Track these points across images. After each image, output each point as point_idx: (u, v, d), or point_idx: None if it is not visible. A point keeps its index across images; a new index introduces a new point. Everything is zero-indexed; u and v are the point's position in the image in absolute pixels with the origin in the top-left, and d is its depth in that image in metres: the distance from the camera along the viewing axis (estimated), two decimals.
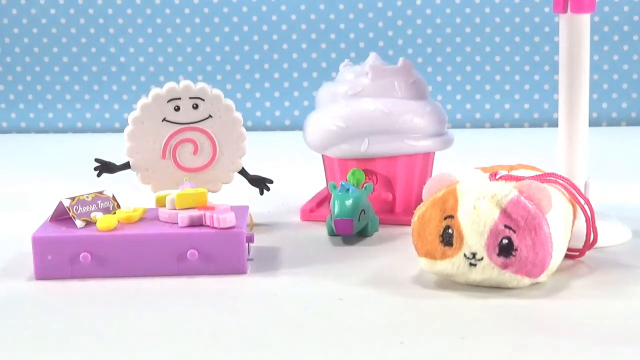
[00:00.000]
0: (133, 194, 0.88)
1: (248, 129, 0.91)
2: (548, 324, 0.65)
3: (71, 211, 0.78)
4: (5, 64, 1.43)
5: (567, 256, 0.76)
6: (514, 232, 0.69)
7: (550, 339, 0.63)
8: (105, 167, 0.90)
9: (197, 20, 1.40)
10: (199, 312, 0.69)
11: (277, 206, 0.97)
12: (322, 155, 0.95)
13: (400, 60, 0.92)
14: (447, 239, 0.71)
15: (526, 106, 1.41)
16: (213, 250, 0.76)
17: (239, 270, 0.77)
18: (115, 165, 0.90)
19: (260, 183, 0.91)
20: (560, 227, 0.72)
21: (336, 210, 0.84)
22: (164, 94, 0.87)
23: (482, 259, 0.70)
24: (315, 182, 1.02)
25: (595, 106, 1.40)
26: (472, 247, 0.70)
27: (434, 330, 0.65)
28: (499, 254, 0.69)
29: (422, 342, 0.63)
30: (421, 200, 0.74)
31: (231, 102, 0.88)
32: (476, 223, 0.69)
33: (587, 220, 0.77)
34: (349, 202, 0.84)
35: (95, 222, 0.78)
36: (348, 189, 0.84)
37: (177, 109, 0.87)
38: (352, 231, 0.83)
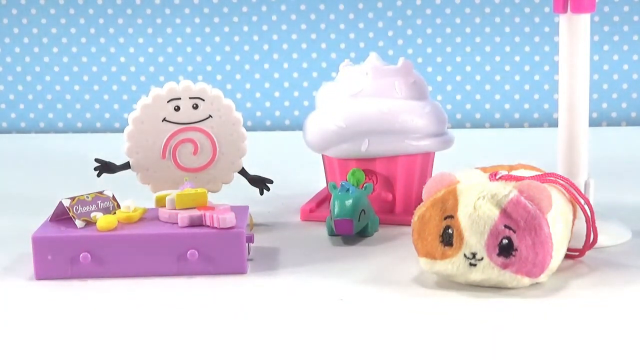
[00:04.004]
0: (133, 194, 0.88)
1: (248, 129, 0.91)
2: (548, 324, 0.65)
3: (71, 211, 0.78)
4: (5, 64, 1.43)
5: (567, 256, 0.76)
6: (514, 232, 0.69)
7: (550, 339, 0.63)
8: (105, 167, 0.90)
9: (197, 20, 1.40)
10: (199, 312, 0.69)
11: (277, 206, 0.97)
12: (322, 155, 0.95)
13: (400, 60, 0.92)
14: (447, 239, 0.71)
15: (526, 106, 1.41)
16: (213, 250, 0.76)
17: (239, 270, 0.77)
18: (115, 165, 0.90)
19: (260, 183, 0.91)
20: (560, 227, 0.72)
21: (336, 210, 0.84)
22: (164, 94, 0.87)
23: (482, 259, 0.70)
24: (315, 182, 1.02)
25: (595, 106, 1.40)
26: (472, 247, 0.70)
27: (434, 330, 0.65)
28: (499, 254, 0.69)
29: (422, 342, 0.63)
30: (421, 200, 0.74)
31: (231, 102, 0.88)
32: (476, 223, 0.69)
33: (587, 220, 0.77)
34: (349, 202, 0.84)
35: (95, 222, 0.78)
36: (348, 189, 0.84)
37: (177, 109, 0.87)
38: (352, 231, 0.83)
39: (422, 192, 0.74)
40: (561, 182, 0.76)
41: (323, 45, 1.41)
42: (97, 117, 1.44)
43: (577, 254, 0.78)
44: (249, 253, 0.79)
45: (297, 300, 0.71)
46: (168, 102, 0.87)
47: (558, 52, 0.84)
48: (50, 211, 0.81)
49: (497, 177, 0.73)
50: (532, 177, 0.74)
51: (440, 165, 0.92)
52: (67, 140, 1.38)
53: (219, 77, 1.42)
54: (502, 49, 1.40)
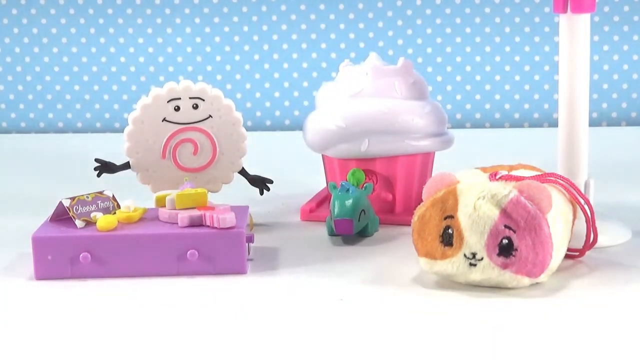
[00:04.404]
0: (133, 194, 0.88)
1: (248, 129, 0.91)
2: (548, 324, 0.65)
3: (71, 211, 0.78)
4: (5, 64, 1.43)
5: (567, 256, 0.76)
6: (514, 232, 0.69)
7: (550, 339, 0.63)
8: (105, 167, 0.90)
9: (197, 20, 1.40)
10: (199, 312, 0.69)
11: (277, 206, 0.97)
12: (322, 155, 0.94)
13: (400, 60, 0.92)
14: (447, 239, 0.71)
15: (526, 106, 1.41)
16: (213, 250, 0.76)
17: (239, 270, 0.77)
18: (115, 165, 0.90)
19: (260, 183, 0.91)
20: (560, 227, 0.72)
21: (336, 210, 0.84)
22: (164, 94, 0.87)
23: (482, 259, 0.70)
24: (315, 182, 1.02)
25: (595, 106, 1.40)
26: (472, 247, 0.70)
27: (434, 330, 0.65)
28: (499, 254, 0.69)
29: (422, 342, 0.63)
30: (421, 200, 0.74)
31: (231, 102, 0.88)
32: (476, 223, 0.69)
33: (587, 220, 0.77)
34: (349, 202, 0.84)
35: (95, 222, 0.78)
36: (348, 189, 0.84)
37: (177, 109, 0.87)
38: (352, 231, 0.83)
39: (422, 192, 0.74)
40: (561, 182, 0.76)
41: (323, 45, 1.41)
42: (97, 117, 1.44)
43: (577, 254, 0.78)
44: (249, 253, 0.79)
45: (297, 300, 0.71)
46: (168, 102, 0.87)
47: (558, 52, 0.84)
48: (50, 211, 0.81)
49: (497, 177, 0.73)
50: (532, 177, 0.74)
51: (440, 165, 0.92)
52: (67, 140, 1.38)
53: (219, 77, 1.42)
54: (502, 49, 1.40)
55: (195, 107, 0.87)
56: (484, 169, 0.76)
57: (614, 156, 1.19)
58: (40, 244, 0.76)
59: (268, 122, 1.43)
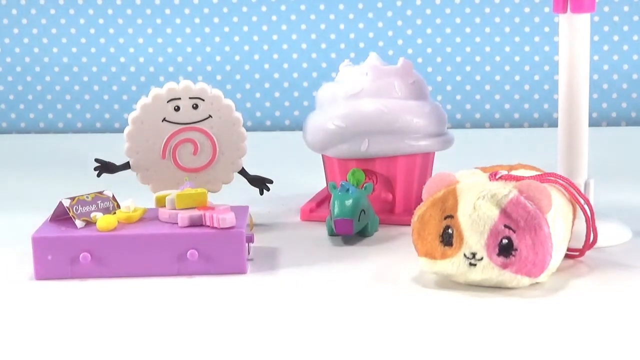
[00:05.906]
0: (133, 194, 0.88)
1: (248, 129, 0.91)
2: (548, 324, 0.65)
3: (71, 211, 0.78)
4: (5, 64, 1.43)
5: (567, 256, 0.76)
6: (514, 232, 0.69)
7: (551, 339, 0.63)
8: (105, 167, 0.90)
9: (197, 20, 1.40)
10: (199, 312, 0.69)
11: (277, 206, 0.97)
12: (322, 155, 0.94)
13: (400, 60, 0.92)
14: (447, 238, 0.71)
15: (526, 106, 1.41)
16: (213, 250, 0.76)
17: (239, 270, 0.77)
18: (115, 165, 0.90)
19: (260, 183, 0.91)
20: (560, 227, 0.72)
21: (336, 210, 0.84)
22: (164, 94, 0.87)
23: (482, 258, 0.70)
24: (315, 182, 1.02)
25: (595, 106, 1.40)
26: (472, 247, 0.70)
27: (434, 330, 0.65)
28: (498, 254, 0.69)
29: (422, 341, 0.63)
30: (421, 200, 0.74)
31: (231, 102, 0.88)
32: (476, 223, 0.69)
33: (587, 220, 0.77)
34: (349, 202, 0.84)
35: (95, 222, 0.78)
36: (348, 189, 0.84)
37: (177, 109, 0.87)
38: (352, 231, 0.83)
39: (422, 192, 0.74)
40: (561, 182, 0.76)
41: (323, 45, 1.41)
42: (97, 117, 1.44)
43: (577, 254, 0.78)
44: (249, 253, 0.79)
45: (297, 300, 0.71)
46: (168, 102, 0.87)
47: (558, 52, 0.84)
48: (50, 211, 0.81)
49: (497, 177, 0.73)
50: (532, 177, 0.74)
51: (440, 165, 0.92)
52: (67, 140, 1.38)
53: (219, 77, 1.42)
54: (502, 49, 1.40)
55: (195, 107, 0.87)
56: (484, 169, 0.76)
57: (614, 156, 1.19)
58: (40, 244, 0.76)
59: (268, 122, 1.43)
